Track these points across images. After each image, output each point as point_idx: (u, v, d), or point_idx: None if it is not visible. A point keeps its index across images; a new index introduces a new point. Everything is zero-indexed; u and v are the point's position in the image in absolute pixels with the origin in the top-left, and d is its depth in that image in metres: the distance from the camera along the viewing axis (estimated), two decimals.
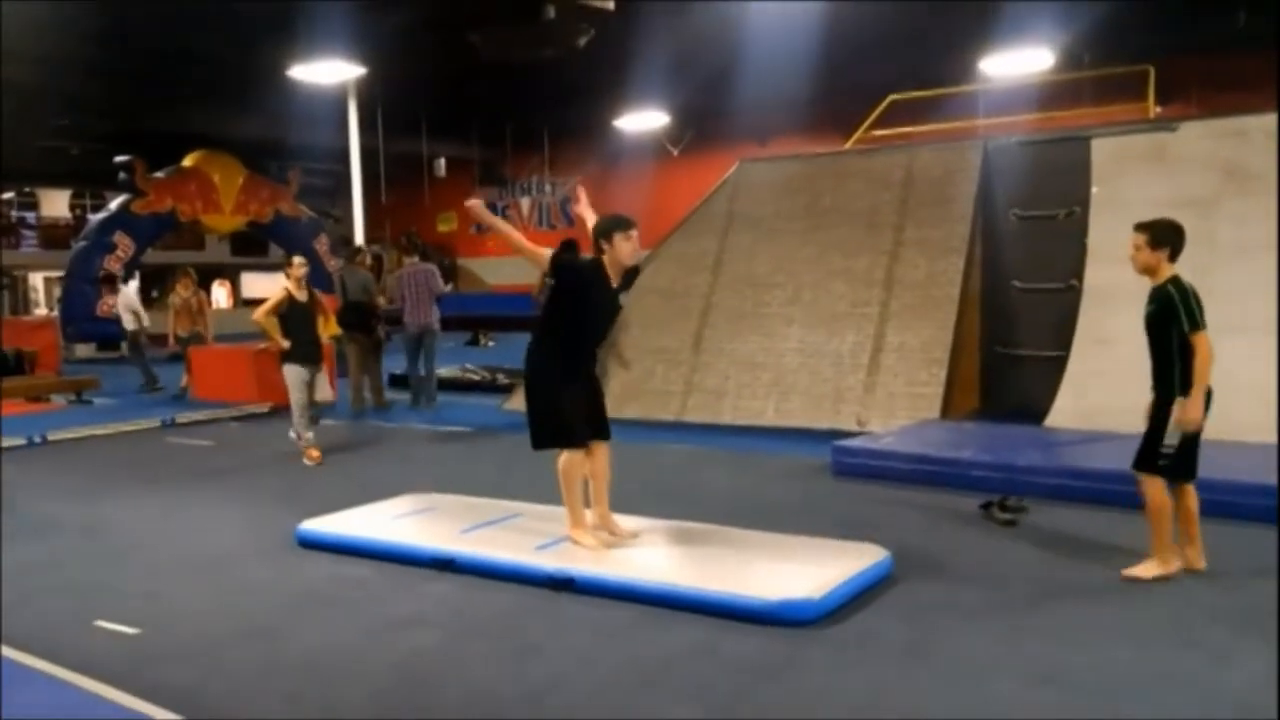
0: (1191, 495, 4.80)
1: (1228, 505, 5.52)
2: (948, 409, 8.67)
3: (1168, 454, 4.69)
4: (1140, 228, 4.85)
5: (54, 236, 29.38)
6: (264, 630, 4.38)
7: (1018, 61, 14.98)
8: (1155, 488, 4.76)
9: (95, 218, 20.99)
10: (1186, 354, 4.65)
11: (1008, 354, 9.46)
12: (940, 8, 13.18)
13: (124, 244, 19.55)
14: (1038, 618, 4.31)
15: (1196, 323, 4.63)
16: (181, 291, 13.27)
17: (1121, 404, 7.86)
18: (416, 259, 11.94)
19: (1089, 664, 3.79)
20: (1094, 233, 8.90)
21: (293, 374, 8.30)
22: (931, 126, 11.69)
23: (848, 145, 11.37)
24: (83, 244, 19.85)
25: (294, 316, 8.31)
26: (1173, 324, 4.67)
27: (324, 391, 8.59)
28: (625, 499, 6.22)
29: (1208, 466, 4.88)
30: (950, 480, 6.70)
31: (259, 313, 8.57)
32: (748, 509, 6.21)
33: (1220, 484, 5.44)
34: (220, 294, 34.59)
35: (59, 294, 21.64)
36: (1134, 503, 5.92)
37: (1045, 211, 9.35)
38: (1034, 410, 8.37)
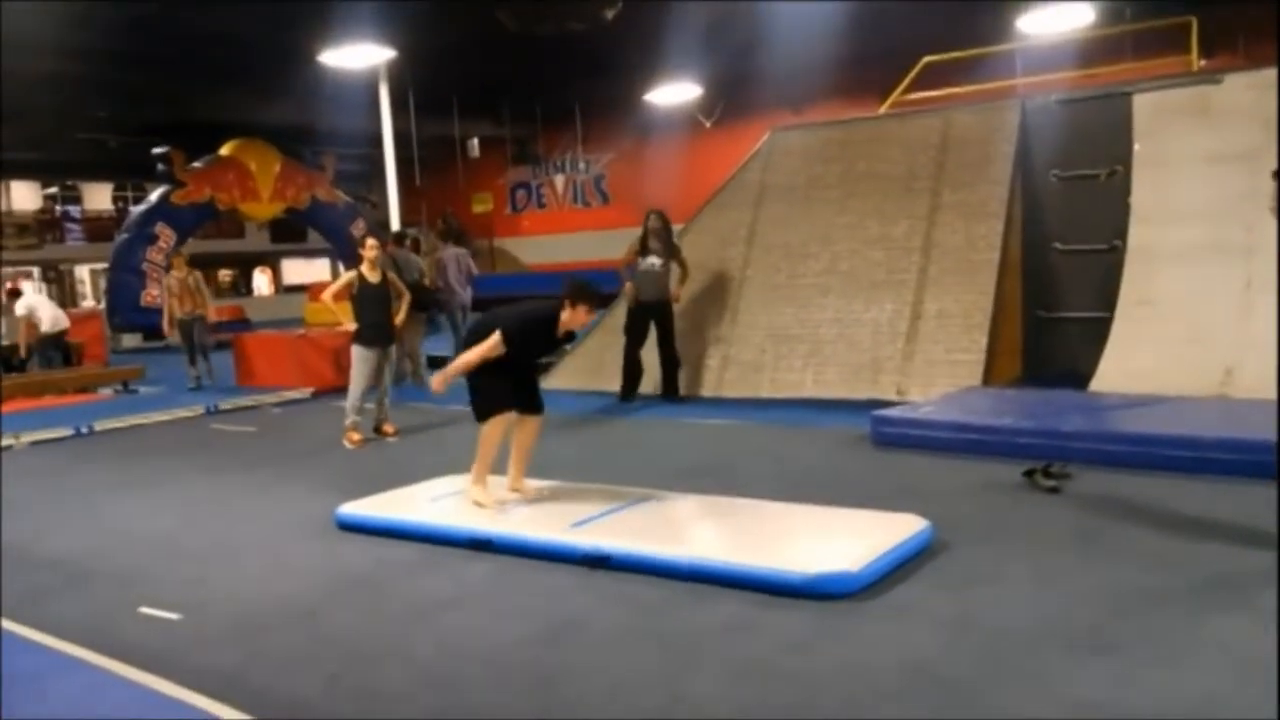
0: None
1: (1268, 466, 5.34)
2: (989, 375, 8.53)
3: None
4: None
5: (98, 229, 29.89)
6: (304, 613, 4.41)
7: (1056, 17, 14.62)
8: None
9: (136, 209, 21.28)
10: None
11: (1050, 317, 9.29)
12: None
13: (165, 235, 19.80)
14: (1084, 586, 4.22)
15: None
16: (176, 273, 12.87)
17: (1168, 366, 7.76)
18: (451, 245, 13.39)
19: (1139, 633, 3.70)
20: (1137, 191, 8.69)
21: (359, 355, 8.37)
22: (968, 88, 11.45)
23: (882, 110, 11.17)
24: (125, 236, 20.12)
25: (365, 298, 8.39)
26: None
27: (386, 375, 8.66)
28: (662, 475, 6.21)
29: (1248, 427, 4.71)
30: (992, 448, 6.58)
31: (325, 294, 8.71)
32: (786, 482, 6.15)
33: (1261, 444, 5.25)
34: (262, 281, 35.06)
35: (104, 286, 21.98)
36: (1180, 467, 5.83)
37: (1086, 171, 9.14)
38: (1078, 374, 8.21)
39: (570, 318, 5.50)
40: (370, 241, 8.68)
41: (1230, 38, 15.31)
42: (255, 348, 12.86)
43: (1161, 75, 9.60)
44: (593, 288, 5.53)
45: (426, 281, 12.13)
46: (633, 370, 9.86)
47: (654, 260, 9.74)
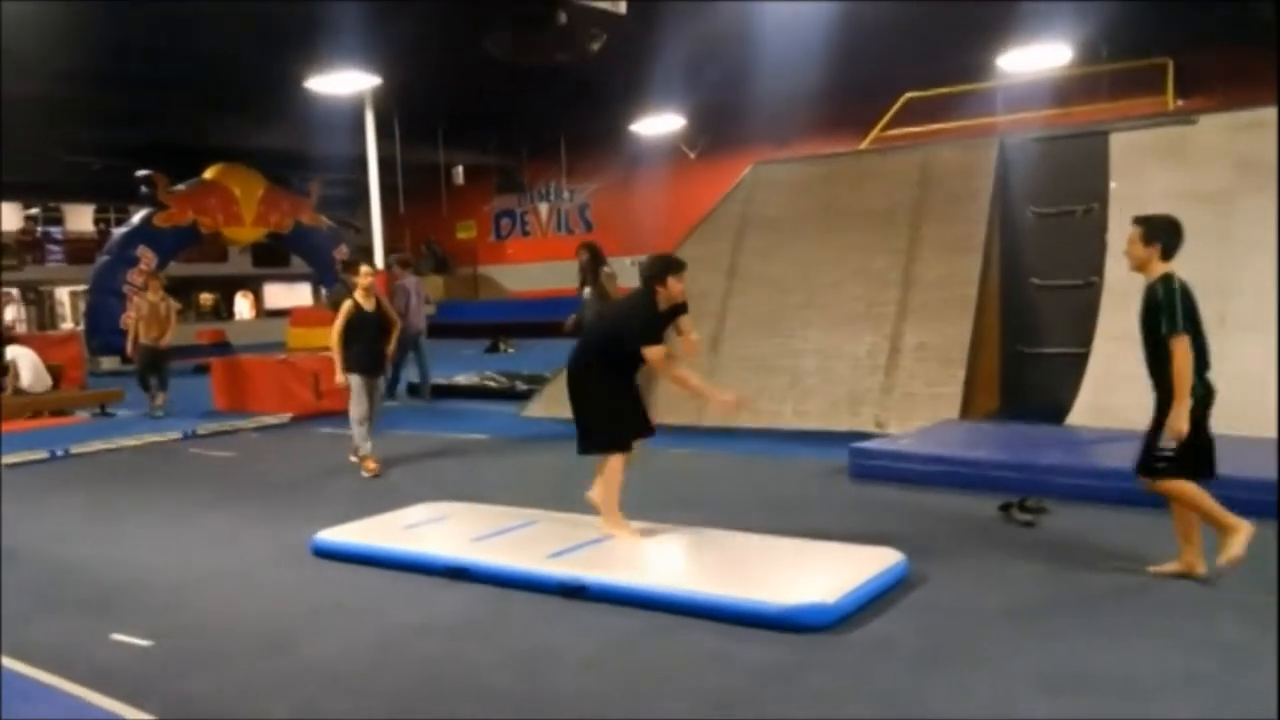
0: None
1: (1243, 503, 5.37)
2: (967, 409, 8.57)
3: (1167, 457, 4.56)
4: (1137, 221, 4.67)
5: (79, 251, 29.75)
6: (279, 640, 4.38)
7: (1035, 57, 14.86)
8: (1167, 487, 4.65)
9: (118, 232, 21.22)
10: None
11: (1027, 352, 9.37)
12: (957, 5, 13.10)
13: (147, 257, 19.72)
14: (1057, 620, 4.25)
15: (1175, 325, 4.41)
16: (150, 296, 12.54)
17: (1144, 401, 7.81)
18: (410, 273, 13.79)
19: (1109, 667, 3.73)
20: (1113, 228, 8.79)
21: (353, 383, 8.25)
22: (948, 124, 11.60)
23: (863, 145, 11.29)
24: (106, 258, 20.05)
25: (359, 325, 8.29)
26: (1160, 324, 4.47)
27: (375, 404, 8.54)
28: (640, 504, 6.19)
29: (1221, 463, 4.76)
30: (969, 481, 6.62)
31: (334, 332, 8.31)
32: (763, 513, 6.16)
33: (1235, 480, 5.26)
34: (244, 305, 34.94)
35: (84, 308, 21.86)
36: (1156, 502, 5.84)
37: (1063, 208, 9.26)
38: (1055, 409, 8.27)
39: (666, 296, 5.40)
40: (365, 269, 8.58)
41: (1206, 80, 15.57)
42: (235, 372, 12.80)
43: (1138, 115, 9.76)
44: (668, 257, 5.48)
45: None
46: None
47: (588, 290, 9.84)
